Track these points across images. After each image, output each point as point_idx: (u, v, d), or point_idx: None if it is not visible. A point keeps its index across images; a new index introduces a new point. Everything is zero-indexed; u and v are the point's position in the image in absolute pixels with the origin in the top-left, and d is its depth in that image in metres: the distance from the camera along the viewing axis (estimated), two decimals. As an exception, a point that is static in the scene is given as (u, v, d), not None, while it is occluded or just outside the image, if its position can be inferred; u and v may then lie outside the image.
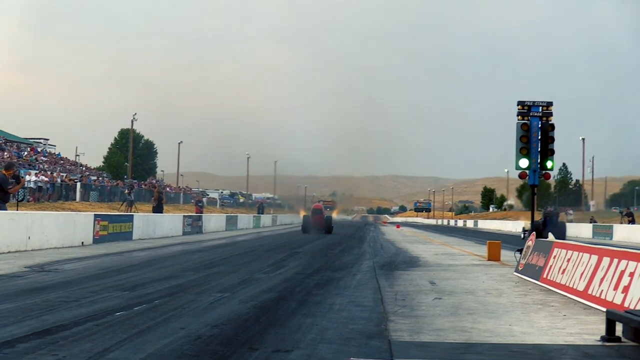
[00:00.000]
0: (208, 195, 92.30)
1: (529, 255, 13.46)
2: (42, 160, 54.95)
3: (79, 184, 44.82)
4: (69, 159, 68.16)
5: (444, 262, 17.54)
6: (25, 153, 55.41)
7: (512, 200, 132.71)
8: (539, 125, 15.81)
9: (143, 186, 59.97)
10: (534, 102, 16.04)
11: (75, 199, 42.23)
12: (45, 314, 7.61)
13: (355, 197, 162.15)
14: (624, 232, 37.55)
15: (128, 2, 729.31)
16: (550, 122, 15.70)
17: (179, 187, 76.70)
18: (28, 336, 6.36)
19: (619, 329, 6.78)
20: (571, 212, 64.86)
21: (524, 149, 15.57)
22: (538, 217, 23.19)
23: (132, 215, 27.40)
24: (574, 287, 10.00)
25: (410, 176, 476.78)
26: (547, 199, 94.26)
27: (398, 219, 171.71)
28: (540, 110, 16.02)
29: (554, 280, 11.15)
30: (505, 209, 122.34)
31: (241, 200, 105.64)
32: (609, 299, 8.56)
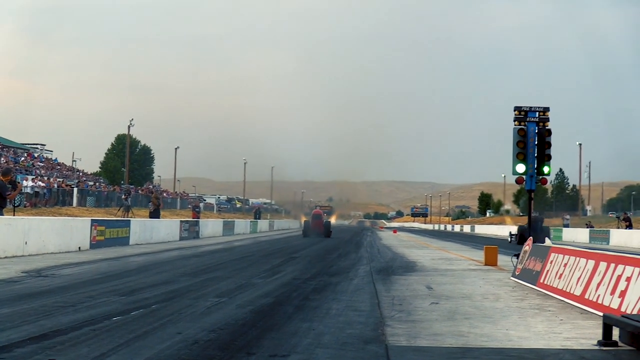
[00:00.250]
0: (205, 200, 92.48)
1: (526, 260, 13.47)
2: (39, 165, 54.96)
3: (75, 190, 44.83)
4: (65, 165, 68.22)
5: (440, 267, 17.53)
6: (22, 158, 55.42)
7: (508, 205, 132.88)
8: (536, 131, 15.85)
9: (140, 191, 59.95)
10: (531, 107, 16.08)
11: (72, 204, 42.25)
12: (43, 319, 7.60)
13: (352, 202, 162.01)
14: (621, 237, 37.57)
15: (124, 7, 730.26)
16: (547, 128, 15.76)
17: (176, 192, 76.74)
18: (25, 341, 6.35)
19: (615, 333, 6.79)
20: (568, 217, 64.95)
21: (520, 154, 15.62)
22: (520, 221, 23.24)
23: (129, 220, 27.39)
24: (571, 292, 10.01)
25: (407, 181, 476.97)
26: (544, 204, 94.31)
27: (395, 224, 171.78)
28: (537, 115, 16.05)
29: (551, 285, 11.17)
30: (502, 214, 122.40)
31: (238, 205, 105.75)
32: (605, 303, 8.57)
